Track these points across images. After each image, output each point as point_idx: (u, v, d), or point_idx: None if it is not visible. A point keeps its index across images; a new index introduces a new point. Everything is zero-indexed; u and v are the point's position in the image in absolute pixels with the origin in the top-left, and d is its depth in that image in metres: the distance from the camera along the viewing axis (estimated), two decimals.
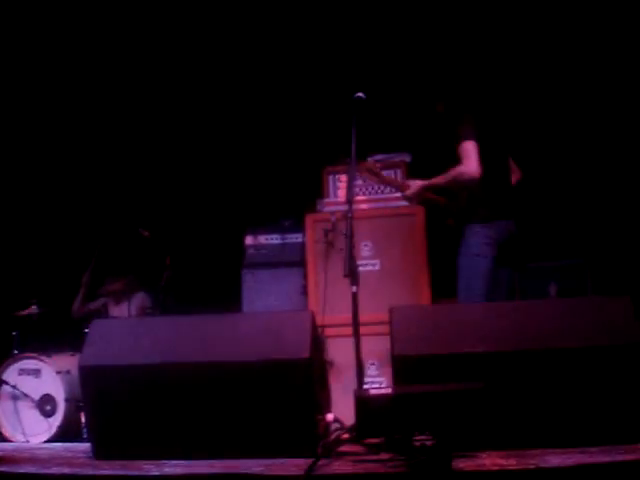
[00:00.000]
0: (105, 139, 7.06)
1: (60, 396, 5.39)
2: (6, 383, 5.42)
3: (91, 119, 7.04)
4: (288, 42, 6.51)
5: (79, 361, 3.71)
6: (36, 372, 5.48)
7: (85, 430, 5.21)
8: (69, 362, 5.55)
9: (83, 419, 5.27)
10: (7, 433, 5.37)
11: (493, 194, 4.61)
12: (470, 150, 4.49)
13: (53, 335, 5.94)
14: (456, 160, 4.55)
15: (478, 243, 4.54)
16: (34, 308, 5.87)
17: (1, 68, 6.69)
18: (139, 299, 6.28)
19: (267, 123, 6.72)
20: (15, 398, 5.42)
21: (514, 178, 4.85)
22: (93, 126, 7.06)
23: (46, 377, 5.45)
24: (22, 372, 5.49)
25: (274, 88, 6.64)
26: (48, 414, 5.40)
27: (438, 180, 4.67)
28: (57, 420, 5.37)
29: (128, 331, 3.74)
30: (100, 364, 3.56)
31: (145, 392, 3.54)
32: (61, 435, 5.32)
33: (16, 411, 5.41)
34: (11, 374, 5.48)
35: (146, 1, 6.58)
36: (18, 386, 5.42)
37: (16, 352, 5.63)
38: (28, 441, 5.27)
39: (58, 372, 5.42)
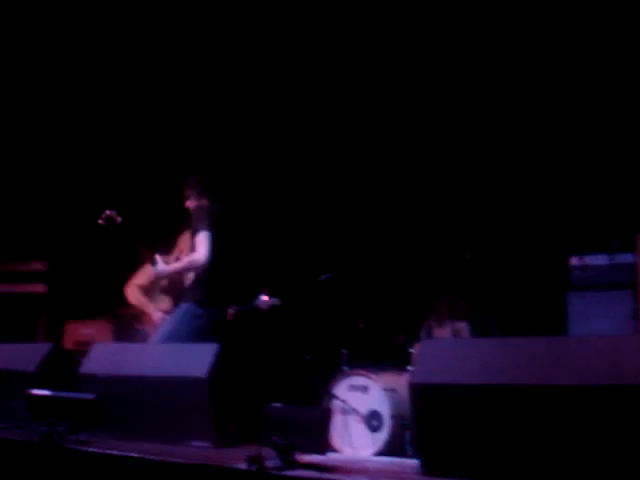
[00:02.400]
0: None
1: (386, 413, 5.55)
2: (337, 398, 5.71)
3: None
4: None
5: (411, 378, 3.81)
6: (364, 388, 5.70)
7: (409, 447, 5.35)
8: (395, 380, 5.72)
9: (407, 436, 5.41)
10: (337, 444, 5.64)
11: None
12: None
13: (379, 353, 6.16)
14: None
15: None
16: (362, 326, 6.14)
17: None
18: (459, 328, 6.30)
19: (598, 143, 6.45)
20: (345, 412, 5.69)
21: None
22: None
23: (373, 394, 5.65)
24: (351, 388, 5.75)
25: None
26: (374, 429, 5.59)
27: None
28: (383, 436, 5.54)
29: (458, 351, 3.77)
30: (431, 382, 3.63)
31: (474, 412, 3.54)
32: (386, 450, 5.48)
33: (345, 425, 5.68)
34: (341, 389, 5.77)
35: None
36: (347, 401, 5.68)
37: (345, 368, 5.92)
38: (356, 454, 5.51)
39: (385, 389, 5.60)
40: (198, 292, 5.43)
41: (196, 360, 4.53)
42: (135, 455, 4.10)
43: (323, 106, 7.41)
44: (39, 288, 7.61)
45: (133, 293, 6.36)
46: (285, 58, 7.47)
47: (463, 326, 6.33)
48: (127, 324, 6.63)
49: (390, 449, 5.49)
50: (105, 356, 4.97)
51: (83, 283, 7.42)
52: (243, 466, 3.74)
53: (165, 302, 6.28)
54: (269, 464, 3.74)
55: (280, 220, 7.35)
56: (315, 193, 7.36)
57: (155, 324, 6.19)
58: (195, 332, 5.29)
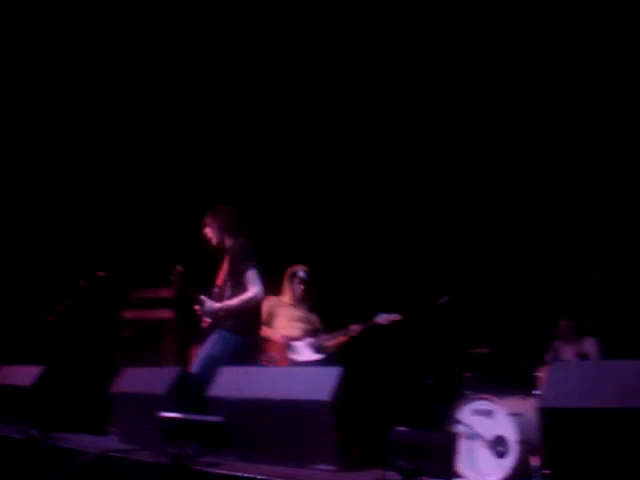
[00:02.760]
0: None
1: (512, 438, 5.44)
2: (460, 422, 5.64)
3: None
4: None
5: (539, 402, 3.73)
6: (488, 413, 5.61)
7: (536, 473, 5.20)
8: (520, 404, 5.61)
9: (534, 462, 5.27)
10: (462, 470, 5.55)
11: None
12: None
13: (503, 377, 6.05)
14: None
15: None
16: (485, 349, 6.05)
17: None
18: (588, 345, 6.15)
19: None
20: (469, 437, 5.61)
21: None
22: None
23: (498, 418, 5.55)
24: (475, 412, 5.68)
25: None
26: (500, 455, 5.48)
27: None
28: (509, 462, 5.42)
29: (586, 374, 3.66)
30: (561, 406, 3.53)
31: (607, 437, 3.41)
32: (512, 477, 5.36)
33: (470, 450, 5.60)
34: (465, 414, 5.69)
35: None
36: (471, 426, 5.60)
37: (469, 393, 5.84)
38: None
39: (510, 414, 5.49)
40: (233, 321, 5.67)
41: (320, 383, 4.55)
42: (262, 477, 4.15)
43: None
44: (167, 314, 7.85)
45: None
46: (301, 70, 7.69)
47: (591, 345, 6.16)
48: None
49: (516, 475, 5.37)
50: (231, 379, 5.07)
51: None
52: None
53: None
54: None
55: (404, 243, 7.36)
56: (437, 216, 7.33)
57: (278, 347, 6.38)
58: (229, 356, 5.56)
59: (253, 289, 5.65)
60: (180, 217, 8.39)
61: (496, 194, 7.13)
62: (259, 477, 4.17)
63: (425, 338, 6.83)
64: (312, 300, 6.73)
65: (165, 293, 7.86)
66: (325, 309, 6.83)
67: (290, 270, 6.74)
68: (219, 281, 5.95)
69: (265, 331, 6.51)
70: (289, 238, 7.83)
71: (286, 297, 6.73)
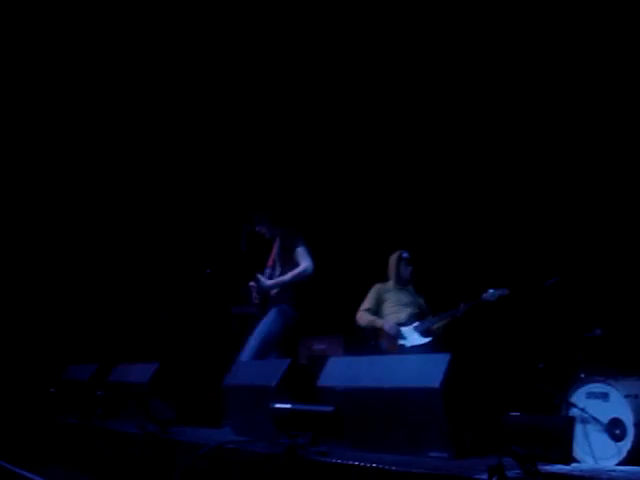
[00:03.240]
0: None
1: (629, 420, 5.30)
2: (575, 406, 5.53)
3: None
4: None
5: None
6: (604, 395, 5.48)
7: None
8: (637, 386, 5.45)
9: None
10: (577, 454, 5.44)
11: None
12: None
13: (618, 358, 5.89)
14: None
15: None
16: (598, 331, 5.89)
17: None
18: None
19: None
20: (584, 421, 5.49)
21: None
22: None
23: (614, 401, 5.41)
24: (590, 395, 5.55)
25: None
26: (617, 438, 5.35)
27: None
28: (626, 445, 5.29)
29: None
30: None
31: None
32: (631, 460, 5.22)
33: (585, 434, 5.48)
34: (579, 397, 5.58)
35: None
36: (586, 409, 5.48)
37: (582, 376, 5.72)
38: (599, 464, 5.29)
39: (626, 396, 5.35)
40: (290, 294, 6.22)
41: (429, 370, 4.55)
42: (375, 465, 4.18)
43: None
44: None
45: (362, 317, 6.72)
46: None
47: None
48: (357, 338, 6.84)
49: (635, 458, 5.22)
50: (340, 369, 5.12)
51: (315, 301, 7.76)
52: (484, 477, 3.71)
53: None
54: (510, 474, 3.68)
55: (508, 224, 7.27)
56: (546, 194, 7.19)
57: (388, 335, 6.45)
58: (286, 331, 6.17)
59: (304, 263, 6.15)
60: None
61: (611, 172, 6.93)
62: (372, 465, 4.20)
63: (534, 320, 6.71)
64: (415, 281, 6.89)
65: None
66: (428, 290, 6.90)
67: (394, 255, 6.87)
68: (269, 263, 6.47)
69: (375, 321, 6.61)
70: (387, 222, 7.91)
71: (391, 283, 6.81)
